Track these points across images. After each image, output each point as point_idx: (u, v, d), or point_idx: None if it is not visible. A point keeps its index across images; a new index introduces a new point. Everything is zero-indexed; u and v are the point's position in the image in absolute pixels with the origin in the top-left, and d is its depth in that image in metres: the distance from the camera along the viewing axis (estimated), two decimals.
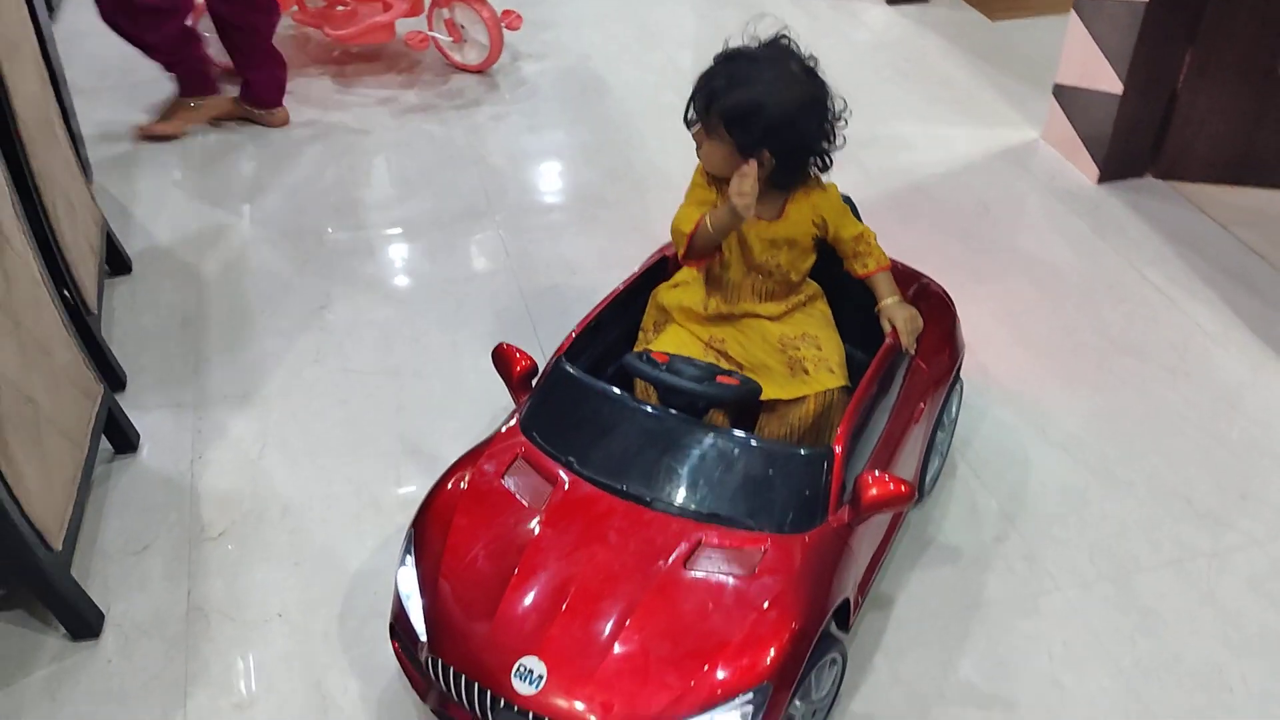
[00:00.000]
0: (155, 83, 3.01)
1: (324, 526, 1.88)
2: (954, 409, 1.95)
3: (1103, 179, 2.78)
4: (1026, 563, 1.83)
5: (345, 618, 1.73)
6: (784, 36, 1.72)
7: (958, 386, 1.93)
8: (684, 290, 1.82)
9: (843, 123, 1.71)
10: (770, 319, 1.78)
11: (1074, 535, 1.88)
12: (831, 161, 1.76)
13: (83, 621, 1.69)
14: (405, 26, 3.23)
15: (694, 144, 1.75)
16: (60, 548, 1.65)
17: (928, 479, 1.88)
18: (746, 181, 1.59)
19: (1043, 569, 1.82)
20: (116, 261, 2.41)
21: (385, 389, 2.16)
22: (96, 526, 1.87)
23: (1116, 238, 2.59)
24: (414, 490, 1.91)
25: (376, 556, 1.82)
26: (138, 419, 2.05)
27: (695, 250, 1.72)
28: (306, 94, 3.12)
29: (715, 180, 1.73)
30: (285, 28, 3.38)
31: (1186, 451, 2.04)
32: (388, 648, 1.57)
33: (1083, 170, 2.82)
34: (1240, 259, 2.52)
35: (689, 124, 1.75)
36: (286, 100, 3.02)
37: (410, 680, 1.51)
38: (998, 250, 2.58)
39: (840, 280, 1.84)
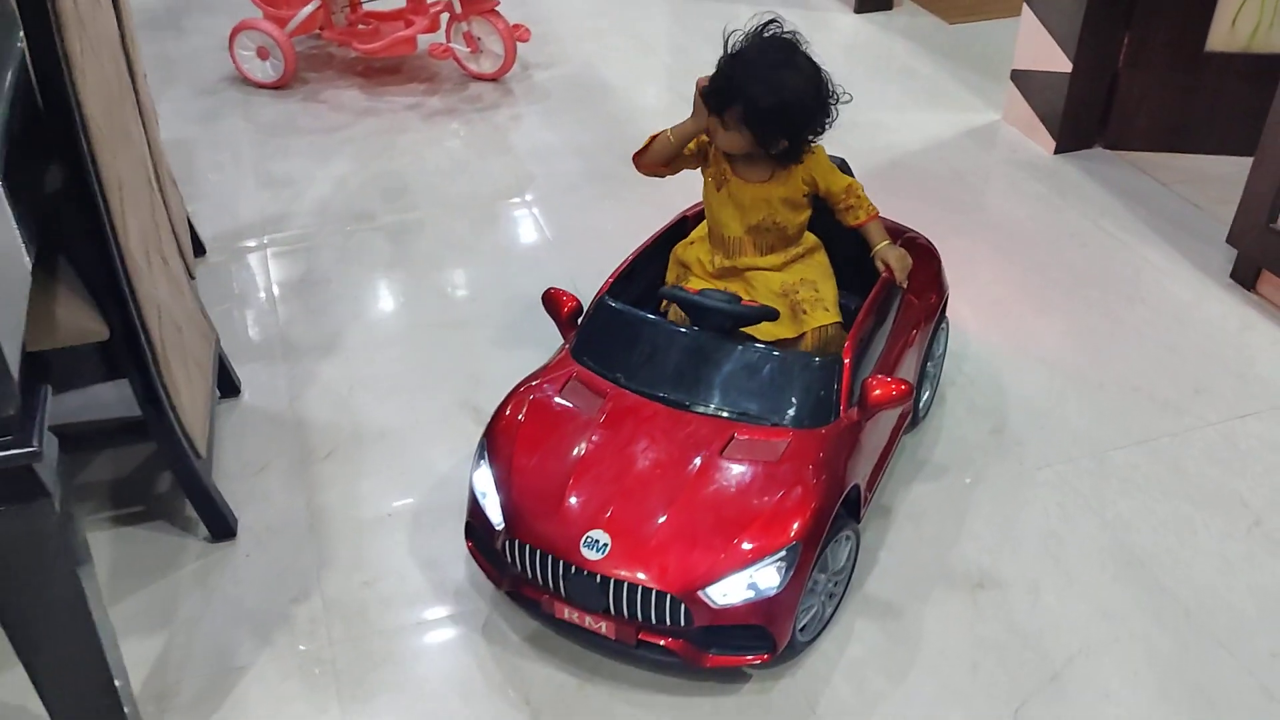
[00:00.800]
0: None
1: (415, 445, 2.17)
2: (941, 345, 2.24)
3: (1058, 150, 3.15)
4: (1019, 447, 2.17)
5: (443, 512, 2.01)
6: (778, 26, 1.93)
7: (944, 325, 2.22)
8: (697, 246, 2.09)
9: (846, 99, 1.94)
10: (772, 270, 2.03)
11: (1057, 425, 2.22)
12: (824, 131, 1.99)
13: (223, 523, 1.96)
14: (424, 41, 3.55)
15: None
16: (205, 456, 1.93)
17: (921, 405, 2.17)
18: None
19: (1034, 451, 2.16)
20: (196, 246, 2.69)
21: (451, 338, 2.46)
22: (217, 454, 2.14)
23: (1074, 197, 2.97)
24: (484, 413, 2.20)
25: (462, 466, 2.11)
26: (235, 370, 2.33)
27: (649, 155, 2.01)
28: (339, 102, 3.43)
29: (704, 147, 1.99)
30: (313, 45, 3.71)
31: (1146, 358, 2.39)
32: None
33: (1040, 144, 3.20)
34: (1180, 209, 2.90)
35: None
36: (321, 108, 3.34)
37: (485, 572, 1.79)
38: (972, 211, 2.94)
39: (832, 232, 2.08)
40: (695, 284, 2.05)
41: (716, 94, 1.90)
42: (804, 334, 1.98)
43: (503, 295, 2.59)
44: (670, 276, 2.12)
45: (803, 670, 1.74)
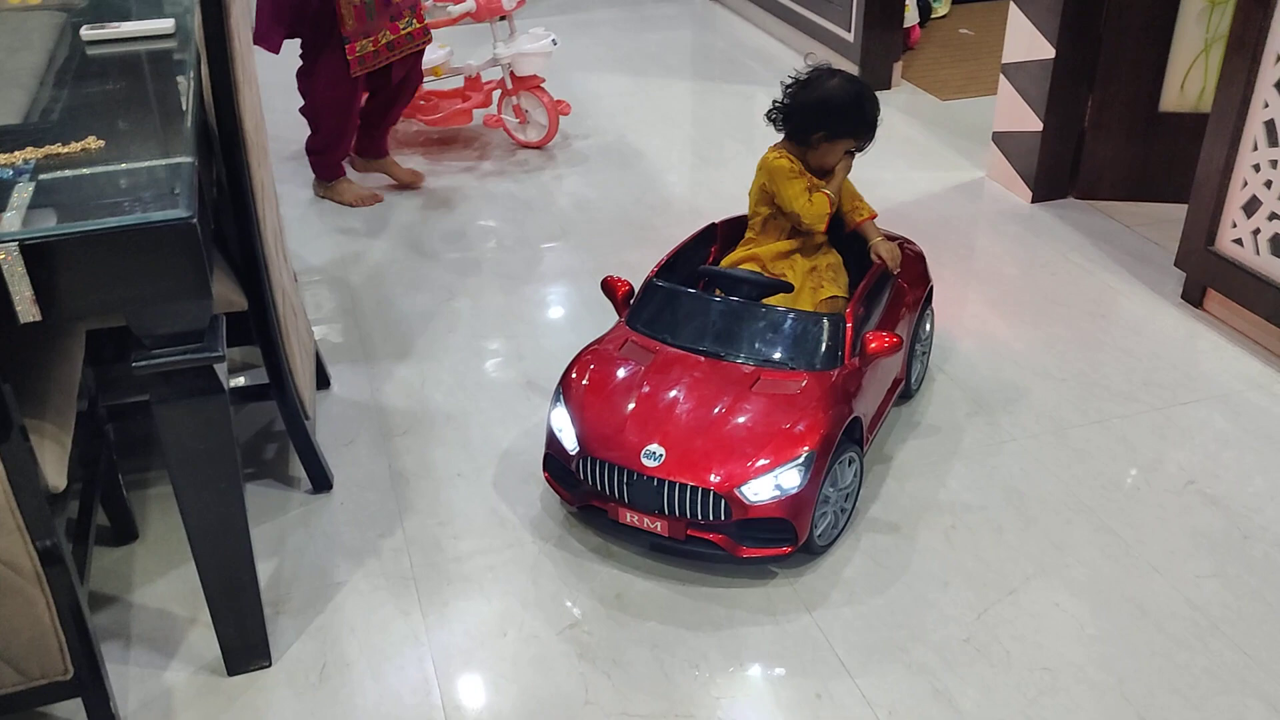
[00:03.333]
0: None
1: (479, 426, 2.57)
2: (928, 328, 2.67)
3: (1034, 200, 3.58)
4: (990, 426, 2.55)
5: (505, 473, 2.40)
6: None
7: (929, 312, 2.67)
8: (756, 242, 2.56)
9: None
10: (807, 255, 2.51)
11: (1023, 409, 2.60)
12: None
13: (323, 476, 2.36)
14: (478, 114, 4.05)
15: (710, 186, 2.56)
16: (311, 418, 2.34)
17: (913, 378, 2.59)
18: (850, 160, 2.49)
19: (1002, 429, 2.54)
20: None
21: (508, 348, 2.88)
22: (315, 424, 2.55)
23: (1047, 236, 3.39)
24: (540, 399, 2.61)
25: (519, 441, 2.51)
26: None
27: (830, 210, 2.48)
28: (406, 166, 3.92)
29: (803, 172, 2.47)
30: None
31: (1104, 359, 2.78)
32: (536, 490, 2.31)
33: (1019, 195, 3.63)
34: (1140, 245, 3.31)
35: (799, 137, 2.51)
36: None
37: (559, 495, 2.21)
38: (959, 249, 3.36)
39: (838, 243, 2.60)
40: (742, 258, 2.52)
41: (841, 133, 2.47)
42: (819, 305, 2.43)
43: (548, 315, 3.03)
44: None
45: (804, 581, 2.11)
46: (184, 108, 1.86)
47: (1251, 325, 2.82)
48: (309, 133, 3.61)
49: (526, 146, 4.04)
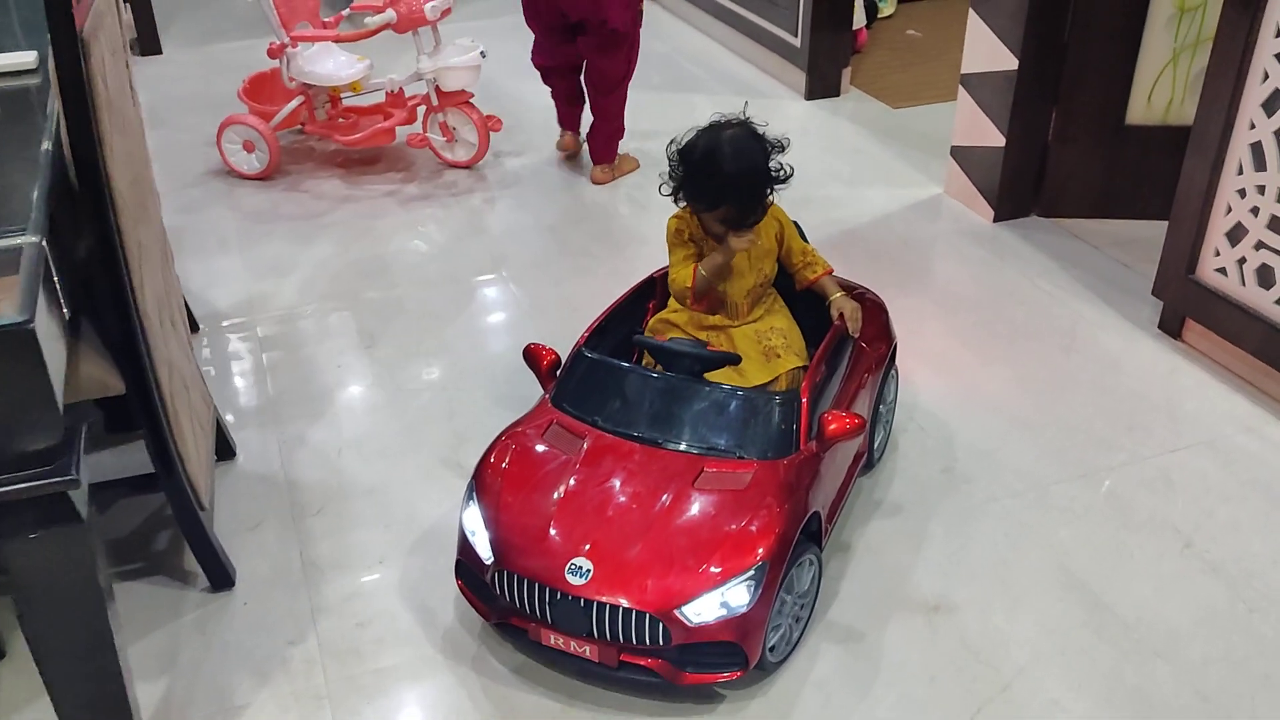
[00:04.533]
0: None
1: (403, 500, 2.30)
2: (892, 391, 2.40)
3: (997, 219, 3.38)
4: (968, 484, 2.32)
5: (430, 559, 2.13)
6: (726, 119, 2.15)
7: (893, 372, 2.39)
8: (682, 313, 2.27)
9: (785, 143, 2.17)
10: (752, 322, 2.24)
11: (1002, 463, 2.38)
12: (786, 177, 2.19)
13: (222, 573, 2.08)
14: (401, 132, 3.76)
15: (652, 209, 2.25)
16: (208, 509, 2.05)
17: (875, 449, 2.32)
18: (747, 236, 2.11)
19: (982, 487, 2.31)
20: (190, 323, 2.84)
21: (436, 401, 2.60)
22: (213, 512, 2.26)
23: (1013, 260, 3.18)
24: (466, 468, 2.32)
25: (446, 517, 2.23)
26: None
27: (698, 295, 2.19)
28: (321, 190, 3.61)
29: (693, 239, 2.20)
30: (295, 139, 3.91)
31: (1082, 401, 2.57)
32: None
33: (980, 214, 3.42)
34: (1109, 268, 3.12)
35: (676, 198, 2.19)
36: (304, 197, 3.53)
37: (474, 607, 1.92)
38: (919, 275, 3.14)
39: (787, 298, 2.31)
40: (675, 335, 2.22)
41: (700, 203, 2.13)
42: (778, 377, 2.15)
43: (480, 361, 2.75)
44: (654, 326, 2.29)
45: (773, 689, 1.86)
46: (39, 163, 1.56)
47: (1236, 360, 2.63)
48: (596, 123, 3.64)
49: (455, 166, 3.75)
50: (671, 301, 2.31)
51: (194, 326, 2.86)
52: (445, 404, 2.59)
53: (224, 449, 2.40)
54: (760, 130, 2.14)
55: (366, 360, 2.76)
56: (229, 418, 2.53)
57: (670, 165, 2.17)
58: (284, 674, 1.91)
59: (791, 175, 2.19)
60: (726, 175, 2.07)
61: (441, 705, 1.85)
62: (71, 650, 1.49)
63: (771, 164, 2.14)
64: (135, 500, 2.27)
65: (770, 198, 2.19)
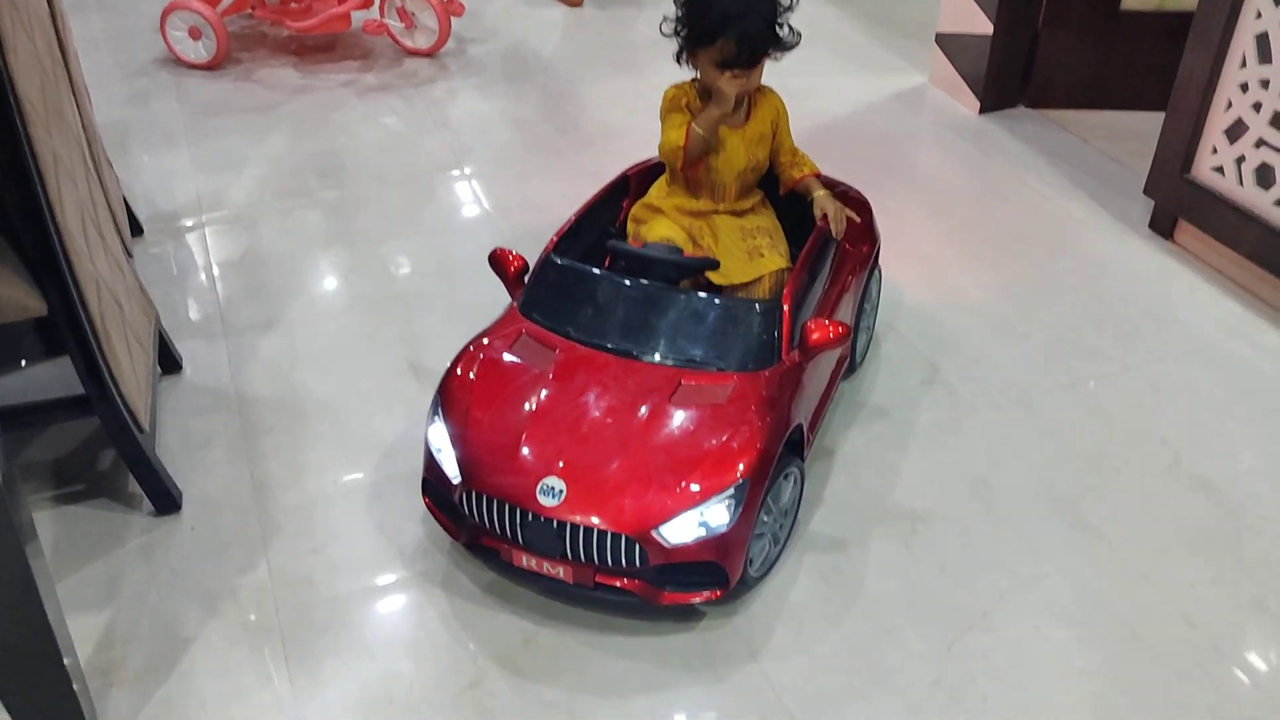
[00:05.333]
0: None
1: (359, 415, 2.19)
2: (875, 292, 2.30)
3: (983, 110, 3.23)
4: (950, 396, 2.23)
5: (391, 479, 2.03)
6: None
7: (877, 273, 2.29)
8: (670, 193, 2.13)
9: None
10: (737, 215, 2.11)
11: (986, 374, 2.29)
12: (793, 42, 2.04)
13: (167, 496, 1.97)
14: (357, 17, 3.54)
15: (626, 100, 2.09)
16: (148, 430, 1.94)
17: (858, 352, 2.23)
18: (740, 80, 1.96)
19: (963, 400, 2.22)
20: (133, 226, 2.68)
21: (394, 308, 2.47)
22: (159, 430, 2.14)
23: (999, 154, 3.04)
24: (427, 382, 2.22)
25: (409, 432, 2.13)
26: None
27: (690, 156, 2.02)
28: (273, 81, 3.42)
29: (689, 108, 2.03)
30: (245, 24, 3.68)
31: (1070, 308, 2.47)
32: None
33: (965, 105, 3.27)
34: (1099, 164, 2.99)
35: (680, 59, 2.04)
36: (255, 88, 3.33)
37: (443, 526, 1.82)
38: (901, 172, 3.00)
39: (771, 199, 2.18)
40: (657, 227, 2.07)
41: (700, 35, 1.96)
42: (761, 278, 2.04)
43: (443, 266, 2.61)
44: (637, 212, 2.14)
45: (750, 611, 1.79)
46: None
47: (1230, 263, 2.53)
48: None
49: (415, 54, 3.55)
50: (655, 187, 2.17)
51: (138, 229, 2.70)
52: (404, 312, 2.46)
53: (169, 362, 2.28)
54: None
55: (321, 265, 2.62)
56: (175, 328, 2.39)
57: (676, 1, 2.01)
58: (233, 603, 1.82)
59: (798, 42, 2.03)
60: (727, 5, 1.92)
61: (399, 635, 1.76)
62: None
63: (779, 18, 1.99)
64: (78, 419, 2.16)
65: (773, 56, 2.02)
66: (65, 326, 1.70)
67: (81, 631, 1.73)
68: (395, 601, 1.82)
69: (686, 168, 2.07)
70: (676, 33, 2.03)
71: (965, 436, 2.13)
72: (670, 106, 2.08)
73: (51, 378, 1.89)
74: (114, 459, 2.07)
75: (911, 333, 2.39)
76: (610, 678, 1.69)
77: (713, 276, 1.98)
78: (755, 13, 1.95)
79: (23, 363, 1.91)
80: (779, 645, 1.74)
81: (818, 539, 1.92)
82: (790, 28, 2.03)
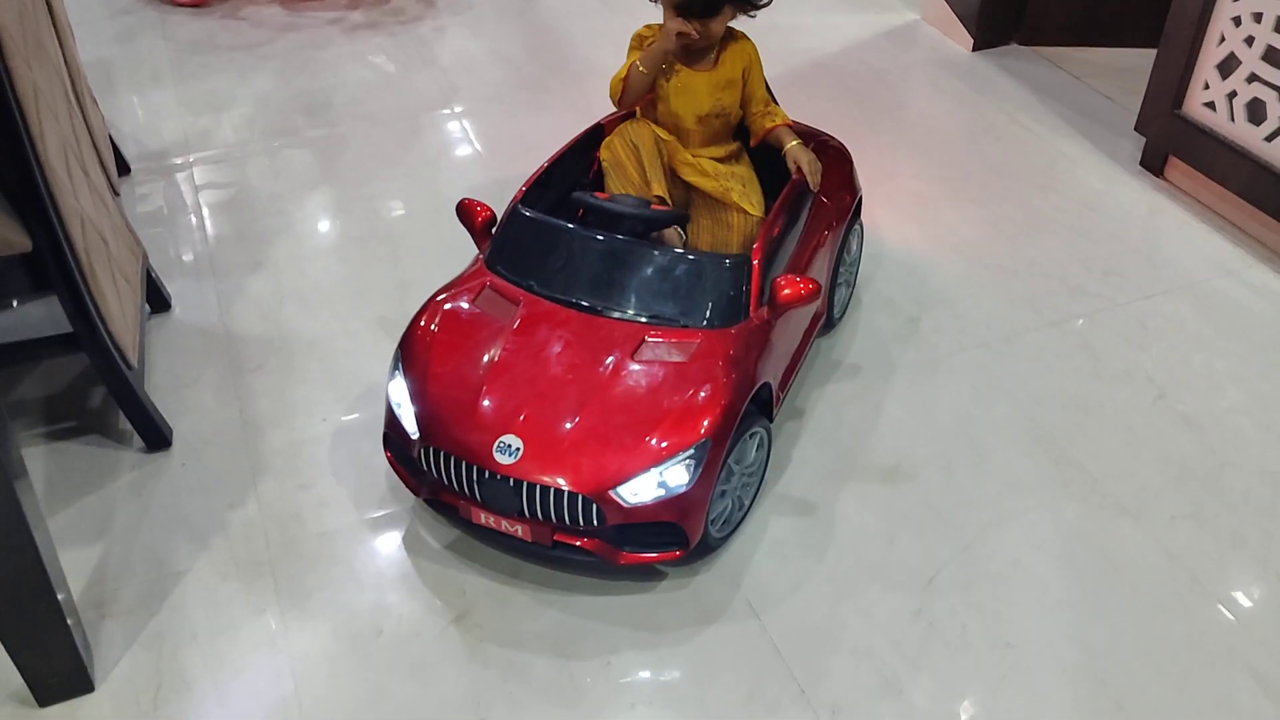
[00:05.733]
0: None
1: (347, 354, 2.19)
2: (855, 247, 2.26)
3: (976, 48, 3.20)
4: (936, 335, 2.24)
5: (378, 418, 2.00)
6: None
7: (858, 226, 2.25)
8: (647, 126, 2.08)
9: None
10: (711, 160, 2.09)
11: (972, 311, 2.29)
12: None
13: (157, 433, 1.98)
14: None
15: (616, 38, 2.06)
16: (136, 368, 1.94)
17: (836, 307, 2.20)
18: (685, 22, 1.93)
19: (950, 337, 2.23)
20: (120, 164, 2.67)
21: (380, 248, 2.47)
22: (148, 368, 2.15)
23: (991, 92, 3.02)
24: None
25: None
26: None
27: (630, 93, 2.01)
28: (259, 19, 3.38)
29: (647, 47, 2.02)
30: None
31: (1058, 244, 2.47)
32: None
33: (958, 43, 3.24)
34: (1092, 101, 2.97)
35: None
36: (241, 25, 3.29)
37: (403, 481, 1.81)
38: (891, 110, 2.98)
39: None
40: (636, 129, 2.04)
41: None
42: (730, 226, 2.02)
43: (431, 206, 2.60)
44: (616, 182, 2.09)
45: (725, 556, 1.80)
46: None
47: (1219, 200, 2.52)
48: None
49: None
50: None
51: (125, 168, 2.69)
52: (392, 251, 2.46)
53: (158, 301, 2.28)
54: None
55: (309, 204, 2.61)
56: (163, 267, 2.39)
57: None
58: (223, 538, 1.84)
59: (768, 2, 2.01)
60: None
61: (387, 571, 1.78)
62: None
63: None
64: (67, 356, 2.16)
65: (737, 11, 1.99)
66: (51, 262, 1.70)
67: (74, 566, 1.76)
68: (383, 536, 1.84)
69: (625, 104, 2.05)
70: None
71: (949, 377, 2.14)
72: (633, 44, 2.06)
73: (40, 315, 1.90)
74: (105, 396, 2.08)
75: (896, 277, 2.38)
76: (596, 613, 1.72)
77: (685, 171, 1.97)
78: None
79: (14, 303, 1.91)
80: (760, 576, 1.77)
81: (797, 481, 1.93)
82: None
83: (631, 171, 2.04)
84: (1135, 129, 2.68)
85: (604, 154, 2.09)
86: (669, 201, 2.01)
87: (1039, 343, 2.21)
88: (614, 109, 2.14)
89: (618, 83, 2.03)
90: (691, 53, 2.02)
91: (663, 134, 2.05)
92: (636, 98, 2.05)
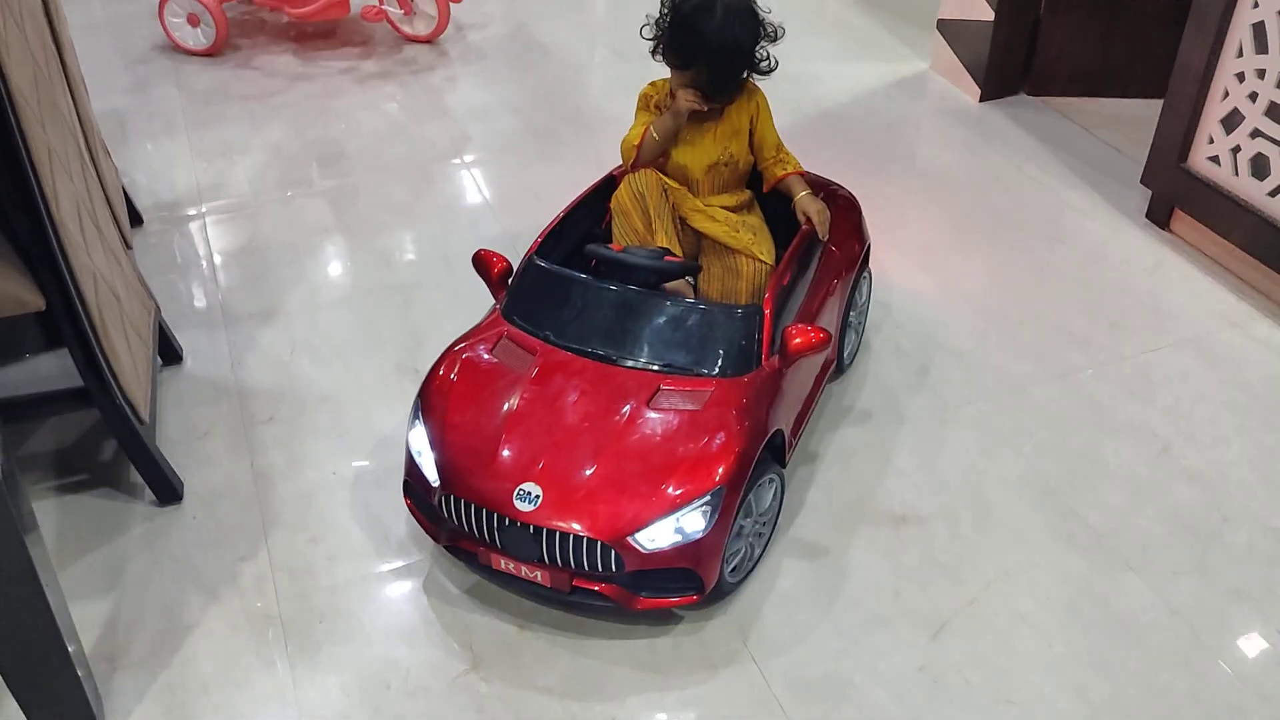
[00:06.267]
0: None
1: (358, 405, 2.22)
2: (864, 294, 2.29)
3: (984, 98, 3.23)
4: (944, 386, 2.25)
5: (386, 470, 2.05)
6: None
7: (866, 274, 2.27)
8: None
9: (779, 33, 2.05)
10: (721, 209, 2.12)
11: (980, 362, 2.30)
12: (767, 69, 2.09)
13: (168, 487, 2.00)
14: (356, 4, 3.55)
15: (628, 87, 2.12)
16: (148, 422, 1.97)
17: (846, 354, 2.22)
18: (696, 95, 1.99)
19: (956, 389, 2.24)
20: (133, 216, 2.71)
21: (391, 299, 2.50)
22: (160, 420, 2.17)
23: (999, 143, 3.04)
24: (425, 373, 2.25)
25: (403, 425, 2.13)
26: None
27: (643, 157, 2.07)
28: (273, 68, 3.43)
29: (659, 108, 2.08)
30: (244, 11, 3.70)
31: (1065, 296, 2.48)
32: None
33: (967, 92, 3.27)
34: (1100, 153, 2.99)
35: (655, 55, 2.07)
36: (255, 75, 3.35)
37: (423, 528, 1.83)
38: (901, 159, 3.01)
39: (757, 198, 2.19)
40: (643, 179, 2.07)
41: (676, 56, 2.01)
42: (740, 274, 2.04)
43: (442, 256, 2.63)
44: (622, 232, 2.12)
45: (734, 604, 1.81)
46: None
47: (1224, 253, 2.54)
48: None
49: (414, 41, 3.56)
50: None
51: (138, 219, 2.73)
52: (403, 301, 2.49)
53: (170, 353, 2.31)
54: (761, 14, 2.03)
55: (321, 254, 2.65)
56: (175, 318, 2.42)
57: (660, 11, 2.04)
58: (234, 591, 1.85)
59: (775, 69, 2.07)
60: (708, 37, 1.97)
61: (396, 624, 1.80)
62: None
63: (758, 48, 2.03)
64: (79, 410, 2.19)
65: (747, 79, 2.07)
66: (64, 319, 1.73)
67: (86, 619, 1.77)
68: (392, 589, 1.85)
69: (638, 168, 2.09)
70: (656, 38, 2.05)
71: (956, 428, 2.15)
72: (640, 105, 2.12)
73: (53, 370, 1.92)
74: (116, 449, 2.11)
75: (904, 326, 2.40)
76: (604, 664, 1.73)
77: (695, 219, 2.01)
78: (737, 51, 2.00)
79: (26, 356, 1.94)
80: (768, 630, 1.77)
81: (803, 533, 1.94)
82: (769, 55, 2.06)
83: (636, 221, 2.07)
84: (1141, 182, 2.70)
85: (613, 203, 2.12)
86: (675, 252, 2.04)
87: (1045, 395, 2.22)
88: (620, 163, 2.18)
89: (630, 147, 2.08)
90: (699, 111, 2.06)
91: (671, 183, 2.08)
92: (649, 162, 2.09)
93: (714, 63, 1.99)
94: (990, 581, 1.86)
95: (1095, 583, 1.85)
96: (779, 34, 2.06)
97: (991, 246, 2.64)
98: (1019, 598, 1.83)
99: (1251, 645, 1.76)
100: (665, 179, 2.08)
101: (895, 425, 2.15)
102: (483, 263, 2.00)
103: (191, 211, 2.80)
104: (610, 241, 2.09)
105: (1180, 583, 1.85)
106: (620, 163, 2.20)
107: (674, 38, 2.01)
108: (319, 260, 2.63)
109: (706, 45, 1.97)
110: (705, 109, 2.03)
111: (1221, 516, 1.97)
